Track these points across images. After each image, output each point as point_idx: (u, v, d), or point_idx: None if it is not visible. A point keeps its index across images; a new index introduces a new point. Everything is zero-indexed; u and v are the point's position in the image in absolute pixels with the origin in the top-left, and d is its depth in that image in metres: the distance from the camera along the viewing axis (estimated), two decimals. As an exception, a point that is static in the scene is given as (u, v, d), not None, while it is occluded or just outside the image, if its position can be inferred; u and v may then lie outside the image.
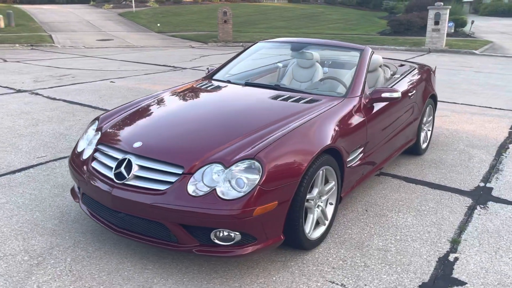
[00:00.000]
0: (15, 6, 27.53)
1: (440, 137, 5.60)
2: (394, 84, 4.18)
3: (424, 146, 4.99)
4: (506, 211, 3.64)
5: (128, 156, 2.68)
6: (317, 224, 3.03)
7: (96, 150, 2.92)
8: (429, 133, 5.15)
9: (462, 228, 3.34)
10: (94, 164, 2.83)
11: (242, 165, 2.50)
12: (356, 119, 3.31)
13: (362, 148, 3.41)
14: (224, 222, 2.40)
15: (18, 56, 12.79)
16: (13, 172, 4.14)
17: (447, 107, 7.29)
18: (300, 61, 4.67)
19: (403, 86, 4.22)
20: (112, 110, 3.41)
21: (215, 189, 2.44)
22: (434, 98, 5.01)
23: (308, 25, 25.07)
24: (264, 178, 2.45)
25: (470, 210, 3.64)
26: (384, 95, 3.54)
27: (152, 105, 3.39)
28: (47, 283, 2.52)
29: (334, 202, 3.14)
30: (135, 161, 2.64)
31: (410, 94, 4.28)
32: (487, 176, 4.38)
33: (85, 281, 2.54)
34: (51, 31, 19.23)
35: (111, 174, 2.66)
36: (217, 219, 2.39)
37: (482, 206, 3.72)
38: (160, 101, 3.46)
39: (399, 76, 4.47)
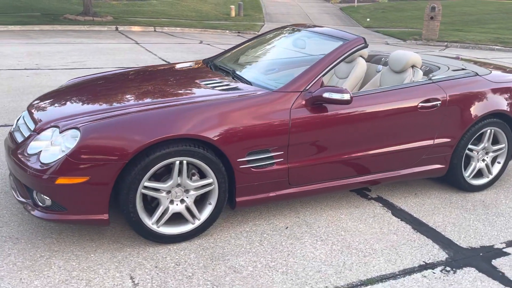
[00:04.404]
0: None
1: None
2: (399, 89, 3.26)
3: (478, 181, 3.73)
4: (476, 286, 2.49)
5: (25, 111, 3.04)
6: (185, 220, 2.77)
7: None
8: (497, 166, 3.79)
9: (367, 282, 2.48)
10: None
11: (67, 133, 2.53)
12: (269, 117, 2.80)
13: (279, 153, 2.87)
14: (35, 184, 2.51)
15: (215, 40, 14.69)
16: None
17: None
18: None
19: (408, 92, 3.25)
20: (82, 76, 3.81)
21: (41, 151, 2.56)
22: (504, 118, 3.64)
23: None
24: (74, 150, 2.43)
25: (420, 268, 2.64)
26: (325, 95, 2.86)
27: (108, 77, 3.59)
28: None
29: (214, 203, 2.80)
30: (24, 115, 2.98)
31: (424, 104, 3.26)
32: (528, 238, 3.02)
33: (-26, 208, 3.06)
34: (267, 21, 21.17)
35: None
36: (30, 179, 2.51)
37: (449, 269, 2.64)
38: (120, 74, 3.65)
39: (423, 80, 3.43)
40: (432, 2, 16.71)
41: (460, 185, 3.68)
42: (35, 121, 2.80)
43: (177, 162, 2.62)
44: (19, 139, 2.79)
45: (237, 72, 3.37)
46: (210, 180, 2.74)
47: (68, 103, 2.99)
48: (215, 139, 2.65)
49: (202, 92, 2.97)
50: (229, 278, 2.46)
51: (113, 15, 18.67)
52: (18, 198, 2.73)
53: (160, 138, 2.51)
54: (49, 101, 3.08)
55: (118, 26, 16.04)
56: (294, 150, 2.92)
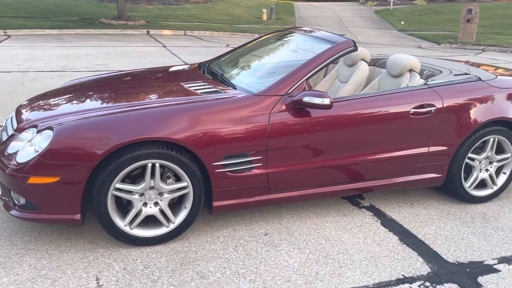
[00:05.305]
0: (288, 1, 31.06)
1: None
2: (389, 94, 3.12)
3: (481, 193, 3.52)
4: (451, 303, 2.35)
5: (14, 111, 3.13)
6: (161, 223, 2.76)
7: None
8: (503, 177, 3.56)
9: (337, 294, 2.38)
10: None
11: (43, 134, 2.57)
12: (246, 120, 2.75)
13: (258, 157, 2.81)
14: (11, 183, 2.56)
15: (240, 43, 14.72)
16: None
17: None
18: (346, 58, 4.04)
19: (399, 97, 3.11)
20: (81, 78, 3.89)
21: (18, 151, 2.61)
22: (509, 126, 3.42)
23: None
24: (46, 150, 2.47)
25: (397, 282, 2.51)
26: (306, 99, 2.78)
27: (102, 79, 3.64)
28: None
29: (189, 207, 2.77)
30: (12, 115, 3.06)
31: (417, 110, 3.11)
32: (524, 255, 2.81)
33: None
34: (299, 25, 21.04)
35: None
36: (7, 178, 2.56)
37: (428, 285, 2.50)
38: (112, 77, 3.69)
39: (418, 85, 3.28)
40: (469, 4, 16.09)
41: (460, 196, 3.48)
42: (18, 121, 2.87)
43: (149, 165, 2.61)
44: (4, 138, 2.86)
45: (224, 75, 3.35)
46: (184, 184, 2.72)
47: (54, 104, 3.05)
48: (187, 141, 2.62)
49: (182, 95, 2.95)
50: (194, 284, 2.43)
51: (146, 19, 19.11)
52: (3, 201, 2.80)
53: (129, 140, 2.51)
54: (37, 102, 3.15)
55: (149, 30, 16.40)
56: (274, 155, 2.85)
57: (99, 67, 8.76)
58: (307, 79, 2.98)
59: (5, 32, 13.97)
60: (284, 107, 2.86)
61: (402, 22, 21.45)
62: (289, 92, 2.90)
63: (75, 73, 7.99)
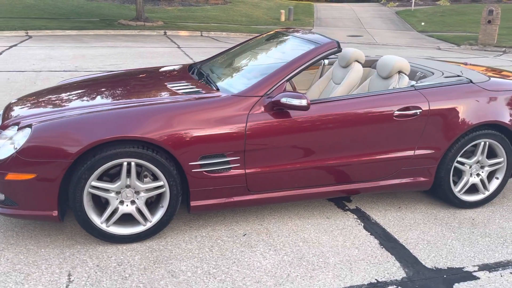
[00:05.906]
0: (308, 2, 30.90)
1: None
2: (370, 96, 3.08)
3: (472, 198, 3.43)
4: (420, 310, 2.30)
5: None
6: (138, 222, 2.79)
7: None
8: (495, 182, 3.47)
9: (305, 297, 2.36)
10: None
11: (23, 131, 2.64)
12: (224, 120, 2.75)
13: (235, 158, 2.81)
14: (-10, 180, 2.64)
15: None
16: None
17: None
18: (340, 59, 4.02)
19: (383, 99, 3.06)
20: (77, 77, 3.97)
21: None
22: (501, 130, 3.32)
23: None
24: (23, 147, 2.53)
25: (369, 287, 2.46)
26: (283, 100, 2.77)
27: (94, 79, 3.72)
28: None
29: (165, 206, 2.79)
30: (1, 114, 3.15)
31: (402, 113, 3.06)
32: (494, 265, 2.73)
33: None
34: (317, 26, 20.94)
35: None
36: (-13, 175, 2.65)
37: (401, 290, 2.45)
38: (103, 76, 3.77)
39: (404, 87, 3.22)
40: (490, 5, 15.71)
41: (449, 201, 3.40)
42: (4, 119, 2.95)
43: (125, 163, 2.64)
44: (-10, 136, 2.95)
45: (210, 76, 3.37)
46: (160, 183, 2.74)
47: (41, 103, 3.13)
48: (163, 140, 2.64)
49: (163, 95, 2.99)
50: (164, 282, 2.45)
51: (165, 20, 19.35)
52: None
53: (104, 139, 2.54)
54: (26, 100, 3.23)
55: (166, 31, 16.60)
56: (252, 156, 2.85)
57: (111, 67, 8.92)
58: (287, 80, 2.96)
59: (27, 32, 14.37)
60: (263, 108, 2.85)
61: (423, 23, 21.08)
62: (268, 93, 2.89)
63: (87, 73, 8.15)
